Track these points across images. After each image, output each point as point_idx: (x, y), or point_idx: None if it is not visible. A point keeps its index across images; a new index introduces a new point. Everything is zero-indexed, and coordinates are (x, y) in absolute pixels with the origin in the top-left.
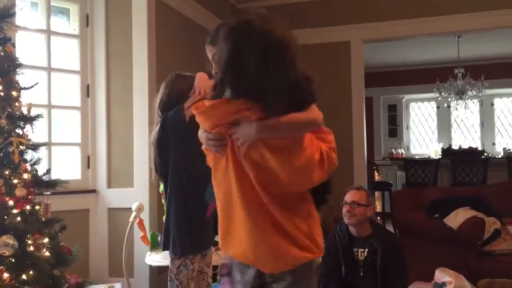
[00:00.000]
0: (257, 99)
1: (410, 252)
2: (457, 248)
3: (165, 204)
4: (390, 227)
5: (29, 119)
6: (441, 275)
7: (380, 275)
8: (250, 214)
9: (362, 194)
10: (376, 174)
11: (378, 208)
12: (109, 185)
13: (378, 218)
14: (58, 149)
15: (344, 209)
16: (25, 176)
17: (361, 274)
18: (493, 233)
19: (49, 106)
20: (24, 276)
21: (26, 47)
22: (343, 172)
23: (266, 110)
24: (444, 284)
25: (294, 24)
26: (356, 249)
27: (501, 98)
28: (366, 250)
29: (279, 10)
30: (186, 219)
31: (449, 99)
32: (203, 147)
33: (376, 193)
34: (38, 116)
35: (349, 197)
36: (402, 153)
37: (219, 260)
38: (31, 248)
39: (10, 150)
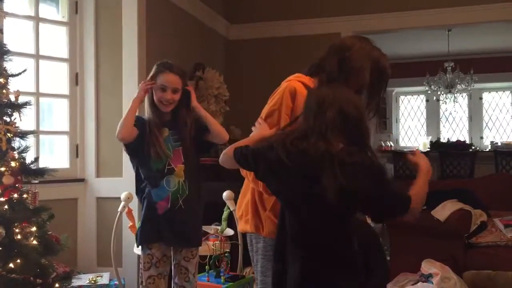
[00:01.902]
0: None
1: (397, 244)
2: (443, 240)
3: None
4: None
5: (17, 107)
6: (428, 266)
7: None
8: None
9: None
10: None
11: None
12: (98, 174)
13: None
14: (46, 137)
15: None
16: (13, 164)
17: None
18: (480, 225)
19: (37, 94)
20: (11, 265)
21: (14, 33)
22: None
23: None
24: (430, 275)
25: (284, 14)
26: None
27: (489, 92)
28: None
29: (267, 0)
30: (143, 215)
31: (438, 93)
32: None
33: None
34: (26, 103)
35: None
36: (391, 145)
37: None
38: (19, 237)
39: None
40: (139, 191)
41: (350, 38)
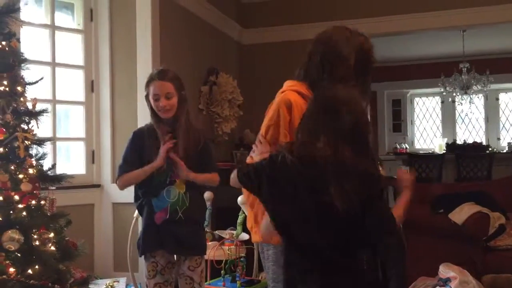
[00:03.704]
0: None
1: (415, 248)
2: (461, 244)
3: None
4: None
5: (34, 114)
6: (446, 270)
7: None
8: None
9: None
10: (380, 169)
11: None
12: (114, 180)
13: None
14: (63, 144)
15: None
16: (31, 171)
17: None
18: (498, 228)
19: (54, 101)
20: (30, 271)
21: (31, 42)
22: None
23: None
24: (448, 279)
25: (296, 18)
26: None
27: (506, 93)
28: None
29: (280, 4)
30: (143, 223)
31: (454, 94)
32: None
33: None
34: (43, 111)
35: None
36: (406, 148)
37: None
38: (37, 243)
39: (16, 145)
40: (137, 198)
41: (330, 30)
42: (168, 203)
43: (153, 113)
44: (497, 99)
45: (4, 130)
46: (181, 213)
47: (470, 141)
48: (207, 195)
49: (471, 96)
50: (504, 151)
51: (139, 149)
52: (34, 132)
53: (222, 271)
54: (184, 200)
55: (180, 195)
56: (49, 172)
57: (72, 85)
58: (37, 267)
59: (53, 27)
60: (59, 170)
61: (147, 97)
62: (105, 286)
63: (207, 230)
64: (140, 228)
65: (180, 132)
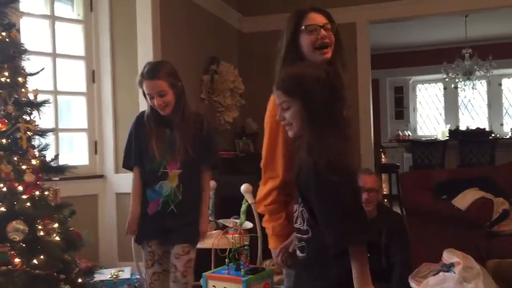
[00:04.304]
0: None
1: (418, 234)
2: (465, 229)
3: None
4: (397, 210)
5: (36, 105)
6: (449, 256)
7: (384, 255)
8: None
9: (375, 178)
10: (383, 156)
11: (385, 191)
12: (117, 170)
13: (385, 200)
14: (65, 135)
15: (362, 196)
16: (34, 162)
17: (368, 255)
18: (502, 213)
19: (55, 92)
20: (35, 261)
21: (31, 33)
22: None
23: None
24: (452, 265)
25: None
26: None
27: (509, 78)
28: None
29: None
30: (141, 212)
31: (457, 80)
32: None
33: (383, 176)
34: (45, 102)
35: (365, 183)
36: (409, 135)
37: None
38: (42, 233)
39: (18, 136)
40: None
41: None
42: (161, 197)
43: (152, 108)
44: (500, 84)
45: (6, 121)
46: (173, 206)
47: (473, 127)
48: (211, 184)
49: (474, 82)
50: (507, 136)
51: (139, 134)
52: (36, 123)
53: (226, 260)
54: (177, 194)
55: (172, 189)
56: (52, 163)
57: (73, 75)
58: (42, 257)
59: (53, 18)
60: (62, 161)
61: (144, 95)
62: (110, 276)
63: (211, 219)
64: None
65: (178, 132)
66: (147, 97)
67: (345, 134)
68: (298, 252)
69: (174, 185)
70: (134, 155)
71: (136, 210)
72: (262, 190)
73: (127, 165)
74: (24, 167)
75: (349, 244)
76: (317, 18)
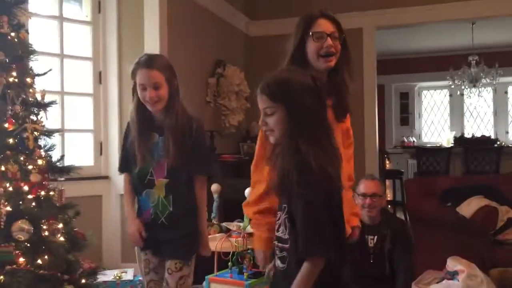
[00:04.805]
0: None
1: (422, 241)
2: (469, 237)
3: None
4: (400, 216)
5: (43, 106)
6: (453, 264)
7: (388, 261)
8: None
9: (378, 184)
10: (387, 162)
11: (389, 197)
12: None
13: (389, 206)
14: (71, 135)
15: (365, 201)
16: (40, 162)
17: (371, 261)
18: (506, 222)
19: (62, 93)
20: (39, 261)
21: (39, 33)
22: (355, 160)
23: None
24: (456, 272)
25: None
26: (367, 236)
27: None
28: (376, 237)
29: None
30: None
31: (462, 87)
32: None
33: (387, 182)
34: (51, 102)
35: (367, 188)
36: (413, 141)
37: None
38: (46, 233)
39: (25, 136)
40: None
41: None
42: (150, 207)
43: (139, 106)
44: (506, 92)
45: (13, 121)
46: (164, 218)
47: (478, 134)
48: (215, 187)
49: (480, 89)
50: None
51: (128, 136)
52: (43, 124)
53: (229, 263)
54: (165, 205)
55: (159, 199)
56: (57, 163)
57: (80, 76)
58: (46, 257)
59: (61, 19)
60: (67, 162)
61: (134, 89)
62: (113, 277)
63: (214, 222)
64: None
65: (171, 135)
66: (139, 88)
67: (330, 141)
68: (278, 262)
69: (161, 196)
70: (123, 159)
71: (134, 221)
72: (251, 195)
73: (119, 169)
74: (30, 167)
75: (303, 256)
76: (326, 26)
